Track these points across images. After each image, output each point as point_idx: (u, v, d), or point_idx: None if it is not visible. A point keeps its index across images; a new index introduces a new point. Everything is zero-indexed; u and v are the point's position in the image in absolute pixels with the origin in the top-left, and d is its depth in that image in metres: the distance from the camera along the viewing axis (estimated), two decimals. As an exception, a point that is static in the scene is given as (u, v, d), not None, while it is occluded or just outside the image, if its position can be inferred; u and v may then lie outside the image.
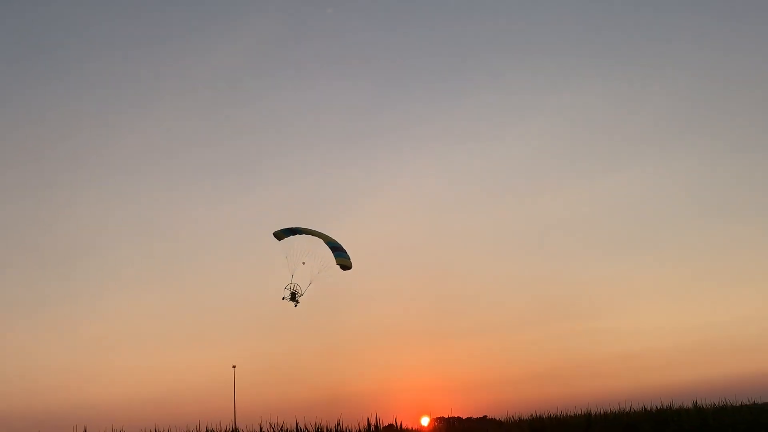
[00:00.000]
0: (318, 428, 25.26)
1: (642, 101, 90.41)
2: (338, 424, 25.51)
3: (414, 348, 71.68)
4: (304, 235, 24.55)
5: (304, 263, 24.31)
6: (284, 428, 25.23)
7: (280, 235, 24.74)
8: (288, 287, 24.64)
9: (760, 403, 37.41)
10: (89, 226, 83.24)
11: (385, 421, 27.18)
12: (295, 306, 24.59)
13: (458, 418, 39.50)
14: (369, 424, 25.77)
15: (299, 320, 76.56)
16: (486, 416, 41.85)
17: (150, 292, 79.85)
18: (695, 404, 33.93)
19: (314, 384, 64.98)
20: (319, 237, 24.67)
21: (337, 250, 24.71)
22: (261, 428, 24.98)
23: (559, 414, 31.82)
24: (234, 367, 52.38)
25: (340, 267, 24.68)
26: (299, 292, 24.55)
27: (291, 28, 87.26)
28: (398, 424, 27.26)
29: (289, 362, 70.35)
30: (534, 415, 32.58)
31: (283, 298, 24.58)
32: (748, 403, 36.33)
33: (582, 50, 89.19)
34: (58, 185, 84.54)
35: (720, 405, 35.00)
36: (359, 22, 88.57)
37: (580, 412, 31.22)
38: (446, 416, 36.03)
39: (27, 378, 63.30)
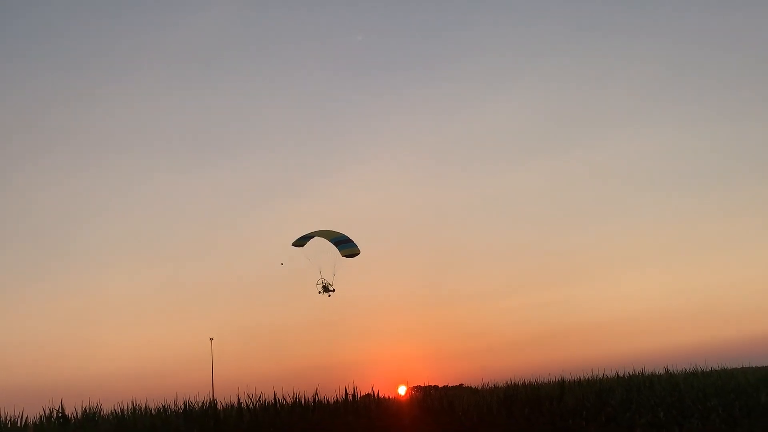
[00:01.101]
0: (296, 399, 25.48)
1: (615, 72, 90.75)
2: (316, 394, 25.75)
3: (391, 319, 72.14)
4: (315, 237, 27.04)
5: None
6: (262, 400, 25.42)
7: (299, 243, 27.25)
8: (318, 282, 27.20)
9: (729, 368, 38.33)
10: (63, 202, 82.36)
11: (363, 391, 27.48)
12: (329, 296, 27.29)
13: (435, 386, 39.98)
14: (346, 394, 26.03)
15: (277, 292, 76.74)
16: (462, 384, 42.44)
17: (125, 265, 79.40)
18: (667, 370, 34.73)
19: (292, 356, 65.27)
20: (324, 236, 26.98)
21: (340, 243, 26.94)
22: (239, 400, 25.13)
23: (533, 381, 32.46)
24: (211, 339, 52.26)
25: (347, 257, 26.95)
26: (330, 284, 27.14)
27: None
28: (375, 393, 27.54)
29: (267, 334, 70.53)
30: (509, 382, 33.20)
31: (319, 293, 27.32)
32: (717, 369, 37.23)
33: (559, 22, 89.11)
34: (29, 162, 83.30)
35: (690, 371, 35.82)
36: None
37: (554, 379, 31.87)
38: (423, 385, 36.47)
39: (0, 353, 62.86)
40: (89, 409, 25.85)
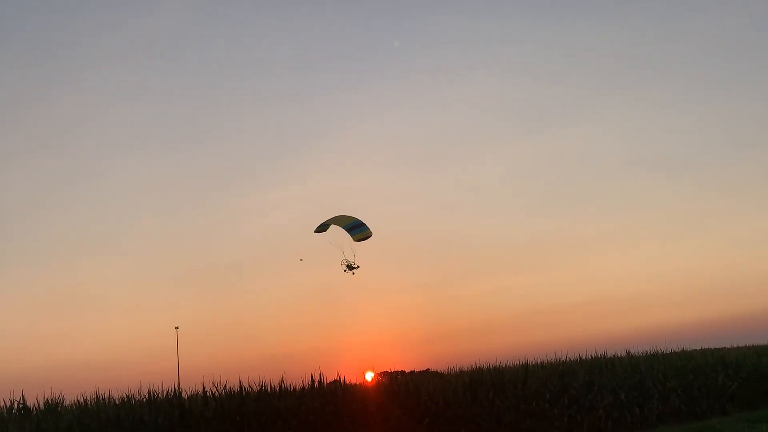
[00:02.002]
0: (262, 386, 25.41)
1: (577, 59, 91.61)
2: (282, 381, 25.70)
3: (358, 305, 72.28)
4: (331, 225, 28.47)
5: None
6: (227, 387, 25.30)
7: (319, 230, 28.76)
8: (342, 262, 28.61)
9: (688, 350, 39.20)
10: (25, 191, 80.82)
11: (330, 378, 27.52)
12: (353, 273, 28.71)
13: (402, 371, 40.24)
14: (313, 381, 26.03)
15: (243, 280, 76.42)
16: (429, 369, 42.77)
17: (88, 254, 78.37)
18: (628, 352, 35.38)
19: (258, 343, 65.16)
20: (338, 224, 28.35)
21: (352, 229, 28.16)
22: (204, 388, 24.98)
23: (498, 365, 32.82)
24: (177, 328, 51.89)
25: (359, 241, 28.27)
26: (353, 263, 28.52)
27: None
28: (342, 379, 27.61)
29: (233, 322, 70.29)
30: (474, 366, 33.53)
31: (344, 271, 28.70)
32: (677, 350, 38.03)
33: (520, 12, 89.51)
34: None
35: (651, 352, 36.55)
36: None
37: (518, 363, 32.25)
38: (390, 370, 36.69)
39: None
40: (51, 399, 25.48)
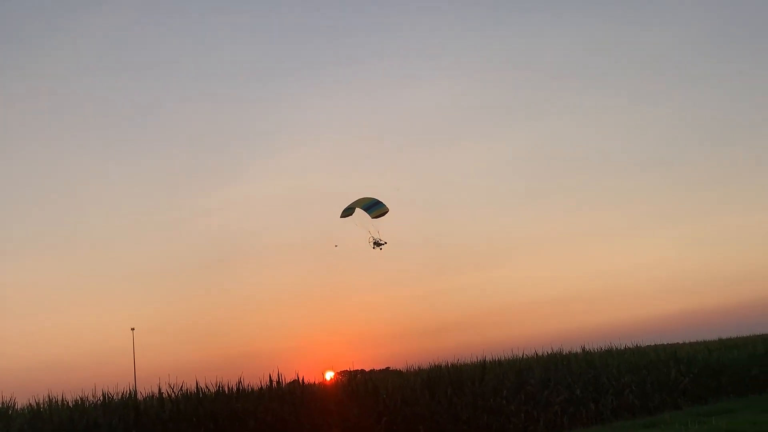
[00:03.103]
0: (219, 387, 25.20)
1: (541, 56, 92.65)
2: (240, 382, 25.50)
3: (317, 304, 72.19)
4: (355, 209, 29.79)
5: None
6: (184, 389, 25.04)
7: (345, 215, 30.16)
8: (369, 240, 30.07)
9: (642, 345, 39.98)
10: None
11: (289, 378, 27.39)
12: (381, 249, 30.34)
13: (361, 370, 40.24)
14: (271, 381, 25.89)
15: (200, 279, 75.62)
16: (389, 367, 42.86)
17: (41, 253, 76.73)
18: (583, 348, 35.91)
19: (216, 344, 64.59)
20: (359, 206, 29.64)
21: (369, 208, 29.48)
22: (159, 389, 24.68)
23: (456, 362, 33.03)
24: (133, 329, 51.29)
25: (376, 218, 29.63)
26: (380, 239, 30.07)
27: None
28: (301, 379, 27.51)
29: (190, 323, 69.57)
30: (433, 364, 33.69)
31: (373, 248, 30.23)
32: (631, 346, 38.75)
33: (484, 7, 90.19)
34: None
35: (606, 349, 37.18)
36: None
37: (475, 360, 32.52)
38: (350, 369, 36.63)
39: None
40: (2, 403, 24.97)
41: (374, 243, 30.15)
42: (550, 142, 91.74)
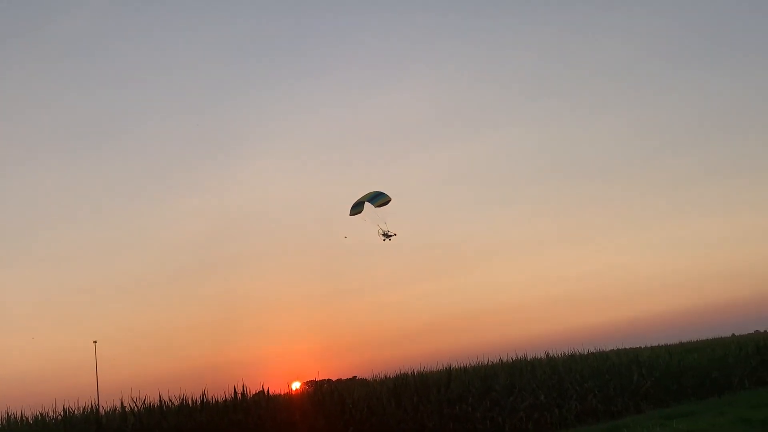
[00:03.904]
0: (182, 400, 24.95)
1: (500, 67, 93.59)
2: (204, 394, 25.28)
3: (282, 315, 71.76)
4: (364, 204, 31.00)
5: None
6: (147, 402, 24.74)
7: (355, 212, 31.25)
8: (379, 233, 31.23)
9: (604, 350, 40.43)
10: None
11: (254, 389, 27.19)
12: (390, 240, 31.57)
13: (328, 380, 40.12)
14: (235, 393, 25.69)
15: (163, 291, 74.69)
16: (356, 376, 42.78)
17: (2, 265, 75.08)
18: (547, 354, 36.24)
19: (180, 356, 63.84)
20: (365, 201, 30.89)
21: (373, 199, 30.78)
22: (122, 404, 24.36)
23: (422, 370, 33.11)
24: (95, 342, 50.41)
25: (380, 206, 30.89)
26: (389, 230, 31.26)
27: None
28: (266, 390, 27.33)
29: (152, 335, 68.62)
30: (399, 372, 33.72)
31: (383, 240, 31.46)
32: (594, 351, 39.16)
33: (444, 20, 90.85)
34: None
35: (569, 354, 37.56)
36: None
37: (441, 368, 32.62)
38: (316, 379, 36.48)
39: None
40: (-41, 421, 24.42)
41: (384, 235, 31.26)
42: (514, 149, 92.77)
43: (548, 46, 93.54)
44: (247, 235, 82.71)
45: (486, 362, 34.63)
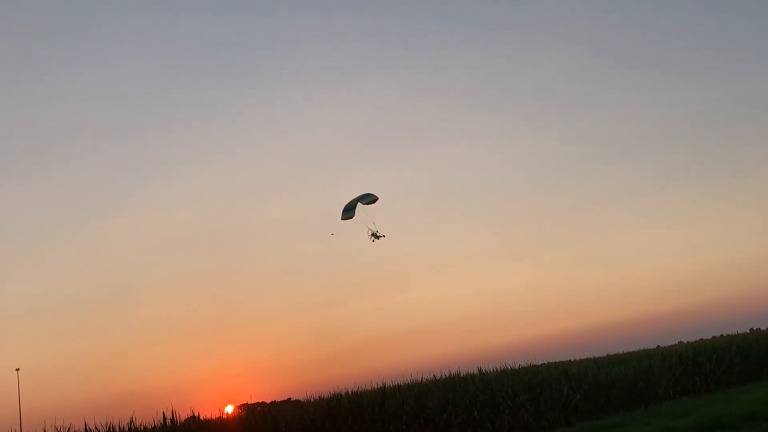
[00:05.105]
0: (109, 428, 24.20)
1: (439, 86, 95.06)
2: (131, 421, 24.59)
3: (214, 337, 70.52)
4: (355, 208, 31.62)
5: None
6: (72, 430, 23.91)
7: (346, 217, 31.81)
8: (368, 233, 31.89)
9: (535, 364, 41.15)
10: None
11: (185, 414, 26.60)
12: (378, 240, 32.09)
13: (262, 402, 39.57)
14: (165, 419, 25.06)
15: (87, 316, 72.48)
16: (290, 398, 42.37)
17: None
18: (480, 370, 36.60)
19: (106, 382, 61.99)
20: (356, 202, 31.51)
21: (361, 199, 31.51)
22: (45, 432, 23.47)
23: (356, 389, 32.94)
24: (17, 370, 48.68)
25: (367, 204, 31.47)
26: (377, 231, 31.87)
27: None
28: (197, 415, 26.77)
29: (78, 361, 66.48)
30: (333, 392, 33.47)
31: (373, 241, 32.00)
32: (525, 365, 39.81)
33: (386, 38, 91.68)
34: None
35: (501, 369, 38.04)
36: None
37: (375, 387, 32.53)
38: (250, 402, 35.93)
39: None
40: None
41: (372, 235, 31.81)
42: (444, 167, 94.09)
43: (487, 65, 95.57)
44: (174, 257, 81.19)
45: (420, 380, 34.78)
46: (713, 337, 71.76)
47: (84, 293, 75.48)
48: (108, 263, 78.89)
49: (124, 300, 76.50)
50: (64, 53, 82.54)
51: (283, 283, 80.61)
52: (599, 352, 61.92)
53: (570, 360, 52.96)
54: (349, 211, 31.74)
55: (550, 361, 46.52)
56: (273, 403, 41.05)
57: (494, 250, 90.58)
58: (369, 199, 31.60)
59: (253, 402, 35.96)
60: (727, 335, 67.98)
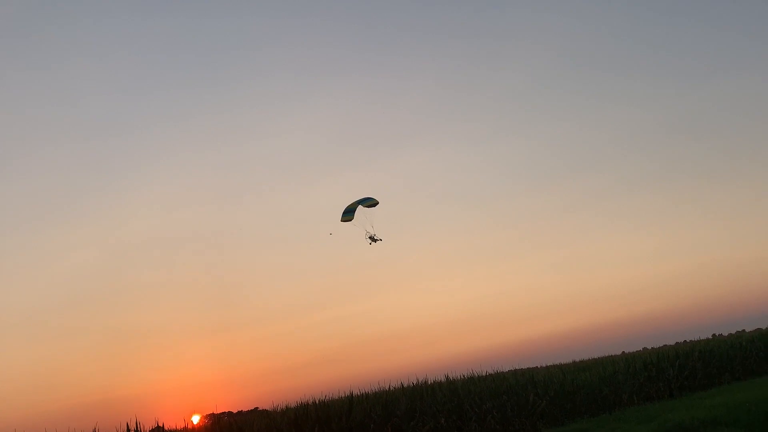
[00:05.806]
0: (71, 439, 23.81)
1: (403, 95, 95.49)
2: (94, 432, 24.18)
3: (178, 346, 69.73)
4: (355, 210, 32.20)
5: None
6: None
7: (346, 219, 32.21)
8: (366, 236, 32.63)
9: (502, 371, 41.32)
10: None
11: (149, 425, 26.25)
12: (374, 244, 32.89)
13: (229, 412, 39.22)
14: (128, 429, 24.71)
15: (48, 325, 71.19)
16: (257, 408, 41.99)
17: None
18: (447, 377, 36.67)
19: (68, 392, 60.89)
20: (357, 205, 32.16)
21: (362, 202, 32.13)
22: (4, 445, 22.99)
23: (324, 399, 32.82)
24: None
25: (368, 207, 32.26)
26: (374, 234, 32.66)
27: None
28: (162, 425, 26.45)
29: (38, 371, 65.19)
30: (300, 402, 33.30)
31: (370, 244, 32.77)
32: (492, 372, 39.97)
33: (347, 45, 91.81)
34: None
35: (468, 376, 38.15)
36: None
37: (343, 395, 32.43)
38: (216, 412, 35.59)
39: None
40: None
41: (370, 238, 32.50)
42: (411, 175, 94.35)
43: (449, 74, 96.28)
44: (138, 266, 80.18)
45: (387, 388, 34.72)
46: (677, 343, 72.95)
47: (45, 302, 74.15)
48: (70, 272, 77.65)
49: (86, 309, 75.29)
50: (24, 55, 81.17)
51: (251, 291, 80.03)
52: (565, 359, 62.48)
53: (536, 367, 53.33)
54: (348, 213, 32.23)
55: (517, 368, 46.85)
56: (240, 413, 40.74)
57: (460, 257, 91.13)
58: (370, 202, 32.32)
59: (219, 412, 35.67)
60: (690, 341, 69.10)
